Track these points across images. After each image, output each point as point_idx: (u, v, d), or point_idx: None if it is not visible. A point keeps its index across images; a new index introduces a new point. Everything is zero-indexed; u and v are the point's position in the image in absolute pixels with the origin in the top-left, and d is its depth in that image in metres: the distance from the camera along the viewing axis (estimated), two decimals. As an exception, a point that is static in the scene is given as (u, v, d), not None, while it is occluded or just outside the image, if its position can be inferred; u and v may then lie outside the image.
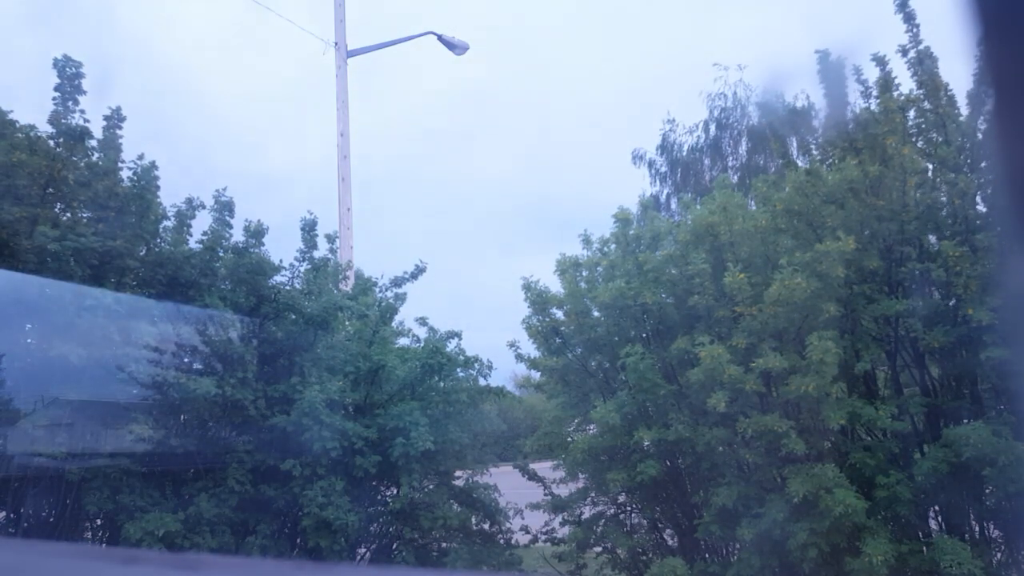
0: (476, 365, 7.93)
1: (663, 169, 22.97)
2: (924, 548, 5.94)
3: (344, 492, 6.62)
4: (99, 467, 6.08)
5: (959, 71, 6.36)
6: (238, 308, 6.84)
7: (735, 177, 17.89)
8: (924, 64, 6.73)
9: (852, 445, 6.38)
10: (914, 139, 6.74)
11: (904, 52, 6.81)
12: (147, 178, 6.78)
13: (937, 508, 6.43)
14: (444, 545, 7.54)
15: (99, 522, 6.64)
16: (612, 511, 7.69)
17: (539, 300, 7.72)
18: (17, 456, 5.95)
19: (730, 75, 24.74)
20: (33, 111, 6.69)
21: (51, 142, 6.45)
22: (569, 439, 7.75)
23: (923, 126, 6.79)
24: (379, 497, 7.63)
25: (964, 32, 0.73)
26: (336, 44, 13.09)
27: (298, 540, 6.88)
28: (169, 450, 6.40)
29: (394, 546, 7.48)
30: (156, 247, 6.85)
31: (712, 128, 22.23)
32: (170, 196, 7.03)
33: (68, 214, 6.57)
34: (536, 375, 8.59)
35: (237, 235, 7.19)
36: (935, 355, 6.44)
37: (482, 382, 8.07)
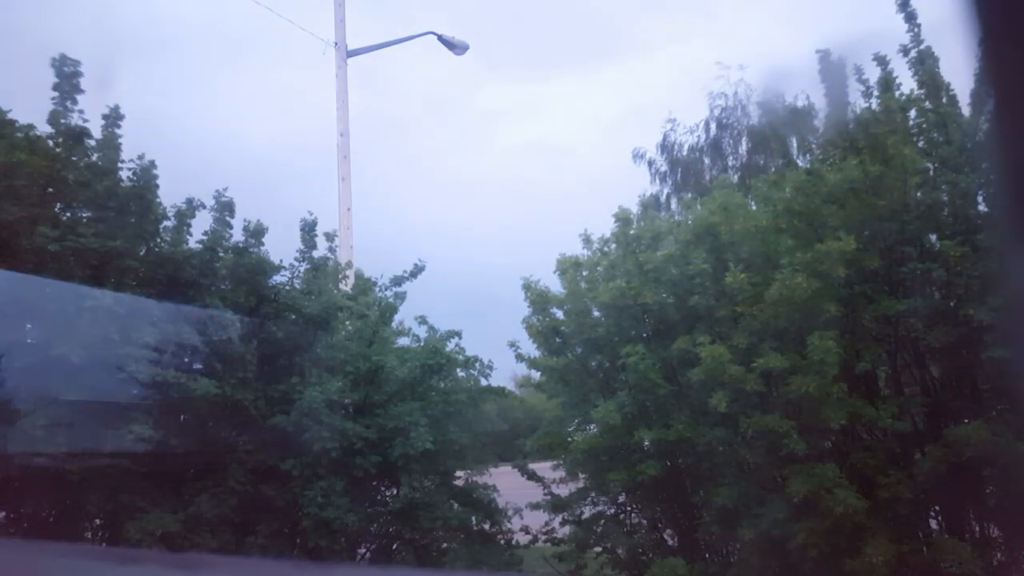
0: (476, 365, 7.93)
1: (663, 168, 22.95)
2: (924, 548, 5.93)
3: (344, 492, 6.62)
4: (99, 467, 6.07)
5: (961, 70, 6.36)
6: (238, 308, 6.84)
7: (735, 177, 17.86)
8: (925, 64, 6.72)
9: (852, 445, 6.37)
10: (915, 139, 6.73)
11: (905, 52, 6.80)
12: (147, 178, 6.78)
13: (937, 508, 6.42)
14: (444, 545, 7.54)
15: (99, 522, 6.64)
16: (612, 511, 7.68)
17: (539, 300, 7.71)
18: (17, 456, 5.94)
19: (731, 74, 24.70)
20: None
21: (50, 142, 6.45)
22: (569, 439, 7.74)
23: (924, 126, 6.78)
24: (379, 497, 7.62)
25: (965, 32, 0.72)
26: (336, 44, 13.08)
27: (298, 540, 6.87)
28: (169, 450, 6.39)
29: (394, 546, 7.48)
30: (156, 247, 6.85)
31: (712, 127, 22.21)
32: (170, 195, 7.04)
33: (68, 214, 6.57)
34: (536, 375, 8.58)
35: (237, 235, 7.19)
36: (936, 355, 6.43)
37: (483, 382, 8.08)
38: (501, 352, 8.05)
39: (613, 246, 8.05)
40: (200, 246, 6.98)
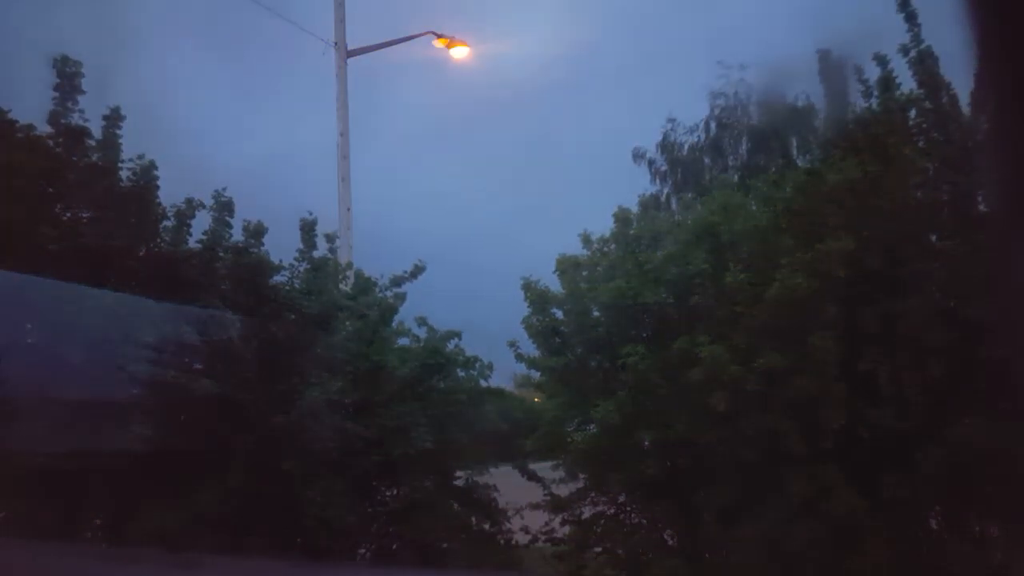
0: (476, 365, 7.93)
1: (663, 168, 22.94)
2: (924, 548, 5.93)
3: (344, 492, 6.62)
4: (99, 467, 6.07)
5: (961, 70, 6.35)
6: (238, 308, 6.84)
7: (735, 176, 17.84)
8: (925, 63, 6.71)
9: (853, 445, 6.36)
10: (915, 139, 6.72)
11: (905, 52, 6.80)
12: (146, 178, 6.78)
13: (937, 508, 6.42)
14: (444, 545, 7.54)
15: (99, 522, 6.64)
16: (612, 511, 7.67)
17: (539, 300, 7.70)
18: (17, 456, 5.94)
19: (732, 74, 24.65)
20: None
21: (50, 142, 6.45)
22: (569, 439, 7.74)
23: (924, 126, 6.78)
24: (379, 497, 7.63)
25: (965, 32, 0.72)
26: (336, 44, 13.08)
27: (298, 540, 6.88)
28: (169, 450, 6.39)
29: (394, 546, 7.48)
30: (156, 247, 6.85)
31: (713, 127, 22.19)
32: (169, 195, 7.04)
33: (68, 214, 6.57)
34: (536, 375, 8.57)
35: (237, 235, 7.19)
36: (936, 355, 6.42)
37: (483, 383, 8.07)
38: (500, 351, 8.05)
39: (613, 246, 8.05)
40: (200, 246, 6.98)
